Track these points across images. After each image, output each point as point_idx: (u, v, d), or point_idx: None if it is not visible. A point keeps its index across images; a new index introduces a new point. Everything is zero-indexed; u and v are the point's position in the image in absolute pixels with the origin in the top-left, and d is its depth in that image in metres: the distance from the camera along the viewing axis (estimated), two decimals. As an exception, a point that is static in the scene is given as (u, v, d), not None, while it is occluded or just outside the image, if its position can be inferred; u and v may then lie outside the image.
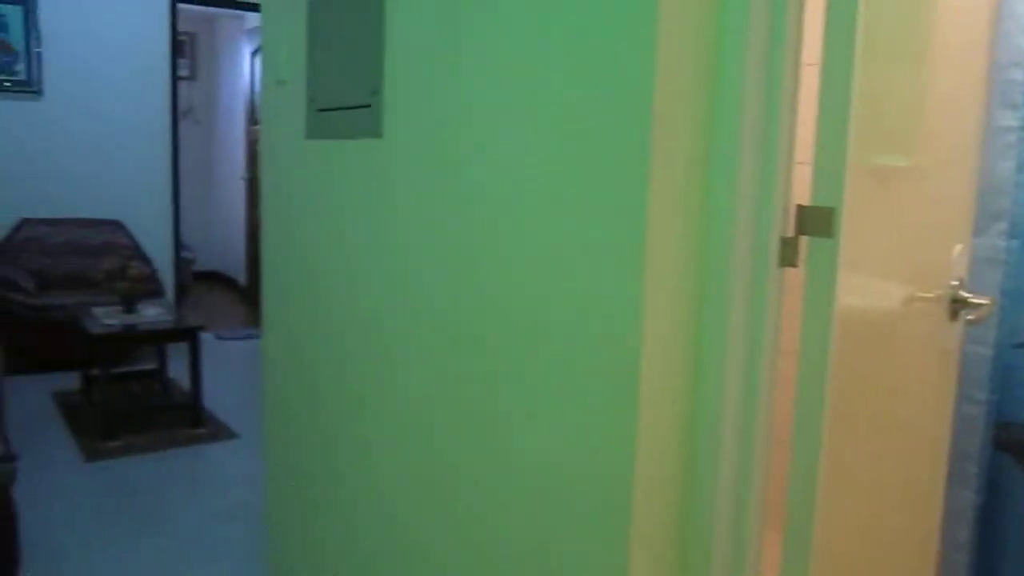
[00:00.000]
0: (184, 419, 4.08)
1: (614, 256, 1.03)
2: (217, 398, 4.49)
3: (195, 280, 7.88)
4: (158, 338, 4.21)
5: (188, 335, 4.02)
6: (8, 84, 5.38)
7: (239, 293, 8.02)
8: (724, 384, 1.08)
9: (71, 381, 4.68)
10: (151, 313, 4.18)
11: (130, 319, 4.05)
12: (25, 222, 5.47)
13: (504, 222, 1.22)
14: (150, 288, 4.69)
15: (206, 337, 6.09)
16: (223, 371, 5.18)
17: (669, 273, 1.03)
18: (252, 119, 7.11)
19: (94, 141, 5.70)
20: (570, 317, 1.11)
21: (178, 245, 6.19)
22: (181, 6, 6.00)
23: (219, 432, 4.02)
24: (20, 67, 5.39)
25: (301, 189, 1.90)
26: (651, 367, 1.01)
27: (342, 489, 1.78)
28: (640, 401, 1.01)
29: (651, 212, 0.98)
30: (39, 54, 5.43)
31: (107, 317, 4.06)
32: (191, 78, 8.56)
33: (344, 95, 1.64)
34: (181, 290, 6.34)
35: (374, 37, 1.51)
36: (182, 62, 8.05)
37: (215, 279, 8.70)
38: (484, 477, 1.30)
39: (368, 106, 1.54)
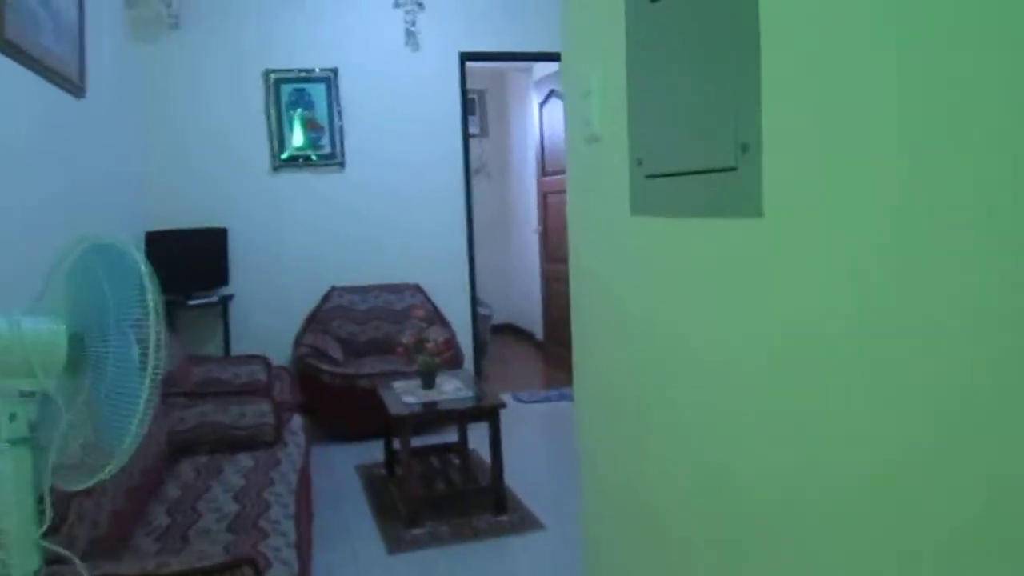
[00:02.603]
0: (486, 504, 3.76)
1: None
2: (519, 472, 4.14)
3: (492, 333, 7.81)
4: (457, 417, 3.94)
5: (488, 414, 3.71)
6: (316, 158, 5.55)
7: (536, 347, 7.83)
8: None
9: (375, 452, 4.58)
10: (450, 388, 3.94)
11: (429, 396, 3.83)
12: (334, 290, 5.59)
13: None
14: (448, 357, 4.48)
15: (503, 397, 5.89)
16: (524, 439, 4.87)
17: None
18: (543, 170, 6.90)
19: (392, 206, 5.73)
20: None
21: (475, 305, 6.06)
22: (470, 65, 5.92)
23: (523, 521, 3.65)
24: (325, 141, 5.55)
25: (625, 275, 1.41)
26: None
27: None
28: None
29: None
30: (341, 127, 5.55)
31: (406, 393, 3.87)
32: (482, 135, 8.62)
33: (690, 154, 1.12)
34: (480, 348, 6.21)
35: (742, 63, 0.98)
36: (472, 119, 8.13)
37: (512, 332, 8.61)
38: None
39: (733, 169, 1.01)
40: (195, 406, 3.52)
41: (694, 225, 1.14)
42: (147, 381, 1.51)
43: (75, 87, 3.58)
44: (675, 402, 1.27)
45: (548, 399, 5.89)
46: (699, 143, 1.10)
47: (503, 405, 3.71)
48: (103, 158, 4.17)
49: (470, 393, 3.87)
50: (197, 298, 5.14)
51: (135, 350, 1.55)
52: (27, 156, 3.03)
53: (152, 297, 1.52)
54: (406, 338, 3.90)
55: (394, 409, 3.67)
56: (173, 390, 3.75)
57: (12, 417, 1.50)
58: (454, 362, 4.96)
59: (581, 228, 1.63)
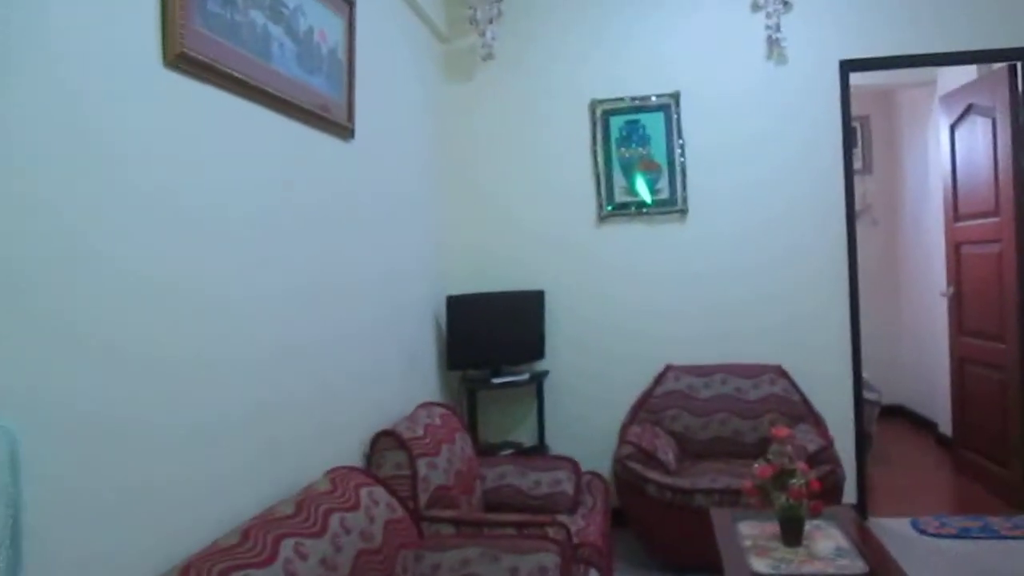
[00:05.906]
0: None
1: None
2: None
3: (877, 419, 6.09)
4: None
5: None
6: (651, 205, 4.47)
7: (939, 444, 5.96)
8: None
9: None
10: (826, 549, 2.57)
11: (792, 564, 2.50)
12: (670, 369, 4.44)
13: None
14: (824, 484, 3.09)
15: (898, 524, 4.28)
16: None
17: None
18: (955, 214, 5.17)
19: (746, 264, 4.45)
20: None
21: (859, 392, 4.54)
22: (856, 83, 4.47)
23: None
24: (663, 184, 4.46)
25: None
26: None
27: None
28: None
29: None
30: (683, 165, 4.43)
31: (756, 551, 2.58)
32: (864, 171, 7.00)
33: None
34: (863, 445, 4.62)
35: None
36: (854, 152, 6.57)
37: (902, 418, 6.79)
38: None
39: None
40: (460, 547, 2.57)
41: None
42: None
43: (337, 127, 2.87)
44: None
45: (967, 534, 4.15)
46: None
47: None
48: (385, 208, 3.47)
49: (860, 566, 2.47)
50: (505, 375, 4.29)
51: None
52: (269, 209, 2.33)
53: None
54: (759, 469, 2.61)
55: (737, 587, 2.41)
56: (443, 514, 2.86)
57: None
58: (828, 487, 3.54)
59: None
